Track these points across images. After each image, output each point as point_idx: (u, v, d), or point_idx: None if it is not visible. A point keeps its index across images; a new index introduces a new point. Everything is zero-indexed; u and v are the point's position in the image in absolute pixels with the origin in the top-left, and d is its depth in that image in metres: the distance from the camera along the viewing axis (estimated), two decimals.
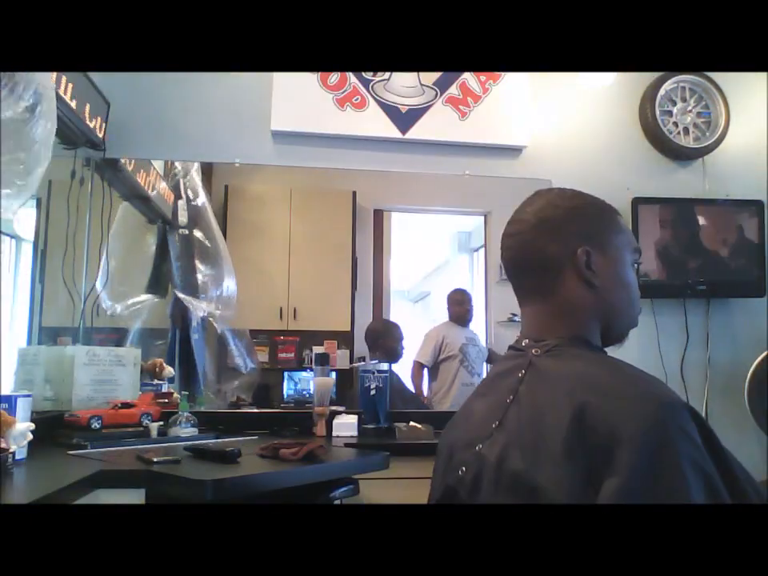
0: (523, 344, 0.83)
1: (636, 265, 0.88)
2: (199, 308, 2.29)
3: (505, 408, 0.77)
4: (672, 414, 0.65)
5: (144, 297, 2.28)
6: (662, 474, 0.62)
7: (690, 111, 2.46)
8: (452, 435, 0.87)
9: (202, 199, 2.37)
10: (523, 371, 0.78)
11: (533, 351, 0.80)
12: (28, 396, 1.44)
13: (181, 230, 2.35)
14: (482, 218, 2.52)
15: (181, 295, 2.28)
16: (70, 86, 1.76)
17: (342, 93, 2.22)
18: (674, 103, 2.45)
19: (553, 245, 0.83)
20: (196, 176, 2.36)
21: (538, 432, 0.70)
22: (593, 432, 0.65)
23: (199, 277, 2.33)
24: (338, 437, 1.93)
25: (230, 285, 2.36)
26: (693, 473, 0.62)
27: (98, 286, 2.14)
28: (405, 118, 2.25)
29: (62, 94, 1.67)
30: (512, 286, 0.90)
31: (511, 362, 0.83)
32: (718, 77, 2.47)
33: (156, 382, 2.19)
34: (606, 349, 0.86)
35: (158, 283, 2.31)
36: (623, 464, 0.62)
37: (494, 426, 0.76)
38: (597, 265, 0.81)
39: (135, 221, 2.33)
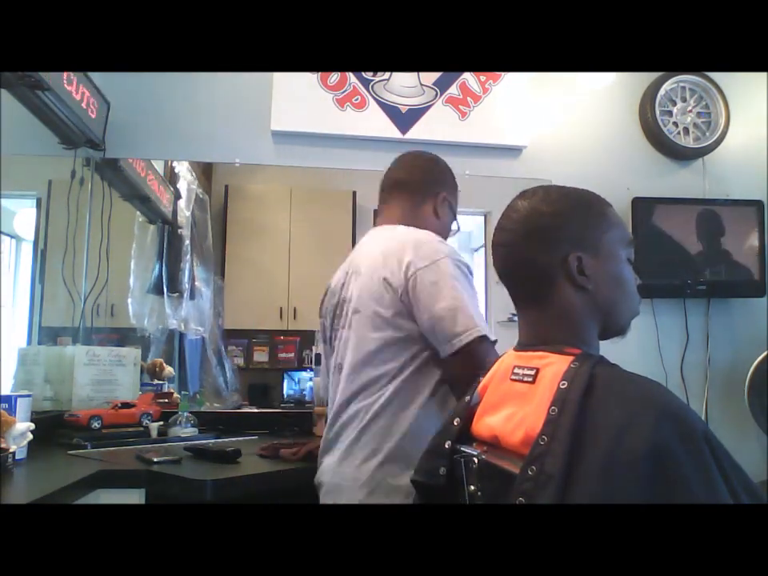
0: (538, 350, 0.81)
1: (630, 259, 0.87)
2: (170, 315, 2.28)
3: (553, 420, 0.69)
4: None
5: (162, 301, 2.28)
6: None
7: (690, 111, 2.45)
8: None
9: (193, 200, 2.37)
10: (566, 383, 0.72)
11: (572, 363, 0.75)
12: (28, 396, 1.44)
13: (180, 231, 2.36)
14: (482, 217, 2.51)
15: (167, 301, 2.28)
16: (81, 87, 1.76)
17: (342, 93, 2.22)
18: (674, 103, 2.45)
19: (543, 255, 0.82)
20: (190, 176, 2.36)
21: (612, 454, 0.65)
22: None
23: (184, 278, 2.33)
24: None
25: (206, 290, 2.35)
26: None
27: (130, 297, 2.15)
28: (405, 118, 2.25)
29: (63, 94, 1.67)
30: (507, 291, 0.90)
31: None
32: (718, 77, 2.46)
33: (156, 381, 2.19)
34: (605, 342, 0.86)
35: (160, 285, 2.31)
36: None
37: (542, 441, 0.69)
38: (589, 268, 0.81)
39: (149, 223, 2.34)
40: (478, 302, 1.17)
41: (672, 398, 0.71)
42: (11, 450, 1.26)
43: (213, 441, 1.78)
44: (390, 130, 2.22)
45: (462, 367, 1.09)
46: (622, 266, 0.85)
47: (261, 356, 2.51)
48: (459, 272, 1.16)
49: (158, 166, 2.31)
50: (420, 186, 1.36)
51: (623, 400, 0.70)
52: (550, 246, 0.82)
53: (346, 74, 2.22)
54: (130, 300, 2.23)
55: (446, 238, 1.34)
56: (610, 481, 0.64)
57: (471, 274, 1.20)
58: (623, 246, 0.86)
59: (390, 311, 1.16)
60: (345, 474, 1.15)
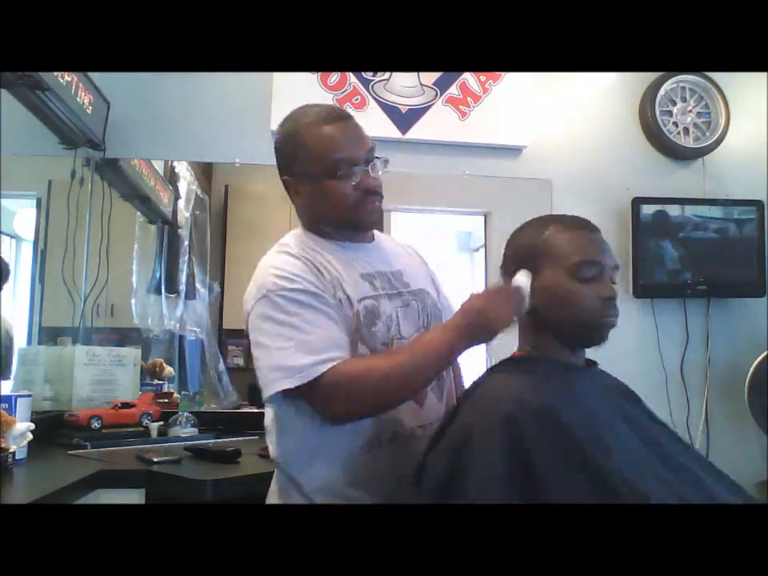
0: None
1: (581, 273, 0.95)
2: (166, 316, 2.27)
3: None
4: None
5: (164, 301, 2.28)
6: None
7: (690, 111, 2.45)
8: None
9: (193, 200, 2.36)
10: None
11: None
12: (28, 396, 1.44)
13: (179, 231, 2.35)
14: (482, 217, 2.51)
15: (164, 301, 2.27)
16: (81, 87, 1.76)
17: (342, 93, 2.22)
18: (674, 103, 2.45)
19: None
20: (189, 176, 2.36)
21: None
22: None
23: (183, 278, 2.33)
24: None
25: (204, 291, 2.35)
26: None
27: (134, 298, 2.16)
28: (405, 118, 2.25)
29: (63, 94, 1.67)
30: None
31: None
32: (718, 77, 2.46)
33: (156, 381, 2.19)
34: (587, 349, 1.00)
35: (161, 285, 2.31)
36: None
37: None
38: (535, 292, 0.96)
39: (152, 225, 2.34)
40: (325, 320, 0.99)
41: None
42: (11, 450, 1.26)
43: (213, 441, 1.78)
44: (390, 130, 2.22)
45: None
46: (566, 285, 0.95)
47: None
48: (273, 308, 0.99)
49: (158, 165, 2.31)
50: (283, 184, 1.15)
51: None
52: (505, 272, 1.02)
53: (346, 74, 2.22)
54: (133, 300, 2.23)
55: (333, 209, 1.08)
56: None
57: (306, 292, 1.00)
58: (567, 266, 0.96)
59: None
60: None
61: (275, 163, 1.13)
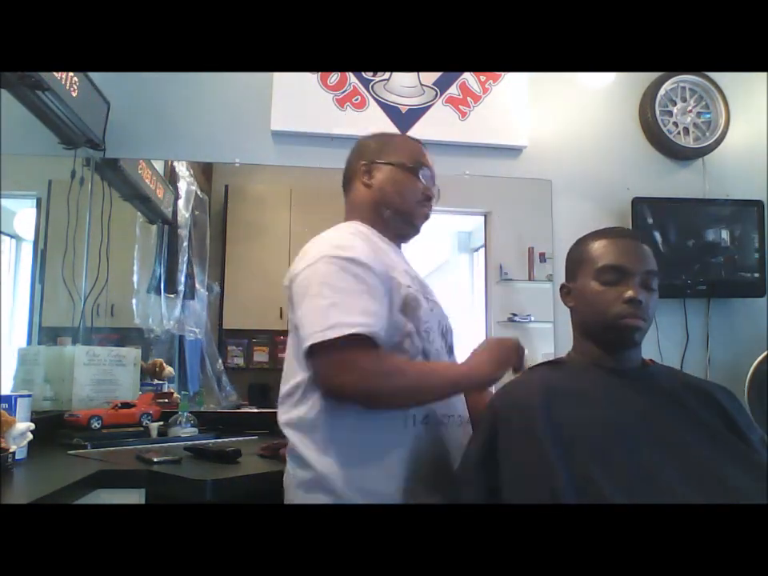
0: None
1: (604, 276, 1.05)
2: (165, 316, 2.27)
3: None
4: None
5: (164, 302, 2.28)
6: None
7: (690, 111, 2.45)
8: None
9: (192, 200, 2.36)
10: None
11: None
12: (28, 396, 1.44)
13: (180, 231, 2.35)
14: (482, 217, 2.51)
15: (163, 301, 2.27)
16: (81, 87, 1.76)
17: (342, 93, 2.22)
18: (674, 103, 2.45)
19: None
20: (189, 176, 2.36)
21: None
22: None
23: (182, 278, 2.32)
24: None
25: (203, 291, 2.35)
26: None
27: (135, 298, 2.16)
28: (405, 118, 2.25)
29: (63, 94, 1.67)
30: None
31: None
32: (718, 77, 2.46)
33: (156, 381, 2.19)
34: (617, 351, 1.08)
35: (160, 285, 2.31)
36: None
37: None
38: (572, 295, 1.10)
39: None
40: (368, 292, 1.04)
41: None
42: (11, 450, 1.25)
43: (213, 441, 1.77)
44: (390, 130, 2.22)
45: (315, 376, 1.05)
46: (591, 290, 1.06)
47: (261, 356, 2.51)
48: (335, 269, 1.04)
49: (158, 166, 2.31)
50: (346, 177, 1.36)
51: None
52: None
53: (346, 73, 2.22)
54: (134, 300, 2.23)
55: (399, 195, 1.24)
56: None
57: (362, 264, 1.06)
58: (591, 274, 1.06)
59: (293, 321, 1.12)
60: None
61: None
